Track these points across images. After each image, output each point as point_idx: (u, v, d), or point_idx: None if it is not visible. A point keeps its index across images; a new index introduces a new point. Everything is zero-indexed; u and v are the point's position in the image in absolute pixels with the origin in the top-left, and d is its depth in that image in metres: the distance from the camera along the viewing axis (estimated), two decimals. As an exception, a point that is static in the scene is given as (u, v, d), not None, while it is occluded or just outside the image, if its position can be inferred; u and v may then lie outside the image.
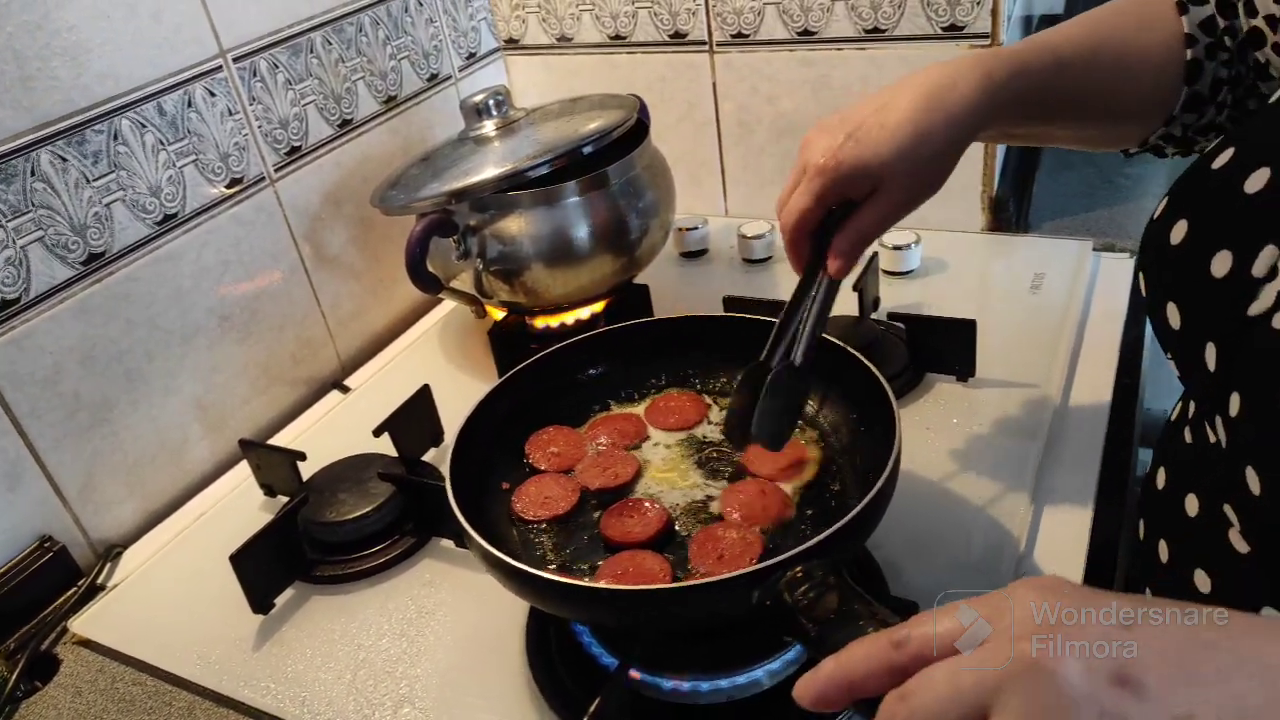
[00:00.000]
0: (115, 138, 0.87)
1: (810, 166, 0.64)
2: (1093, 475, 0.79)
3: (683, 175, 1.14)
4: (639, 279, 1.07)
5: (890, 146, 0.62)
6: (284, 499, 0.89)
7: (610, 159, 0.98)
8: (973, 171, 1.16)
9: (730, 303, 0.99)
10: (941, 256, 1.13)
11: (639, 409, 0.81)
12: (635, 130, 1.02)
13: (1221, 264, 0.50)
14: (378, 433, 0.85)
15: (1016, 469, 0.80)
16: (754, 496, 0.69)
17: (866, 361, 0.70)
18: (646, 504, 0.70)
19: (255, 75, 1.00)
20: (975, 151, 1.14)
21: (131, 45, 0.88)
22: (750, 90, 1.22)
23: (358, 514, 0.82)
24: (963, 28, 1.08)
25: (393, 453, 0.88)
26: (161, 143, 0.91)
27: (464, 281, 1.01)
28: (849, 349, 0.72)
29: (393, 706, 0.68)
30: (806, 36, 1.16)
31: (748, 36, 1.19)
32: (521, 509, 0.72)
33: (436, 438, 0.93)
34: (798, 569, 0.53)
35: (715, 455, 0.75)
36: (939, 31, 1.09)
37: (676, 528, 0.69)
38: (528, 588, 0.60)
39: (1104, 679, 0.33)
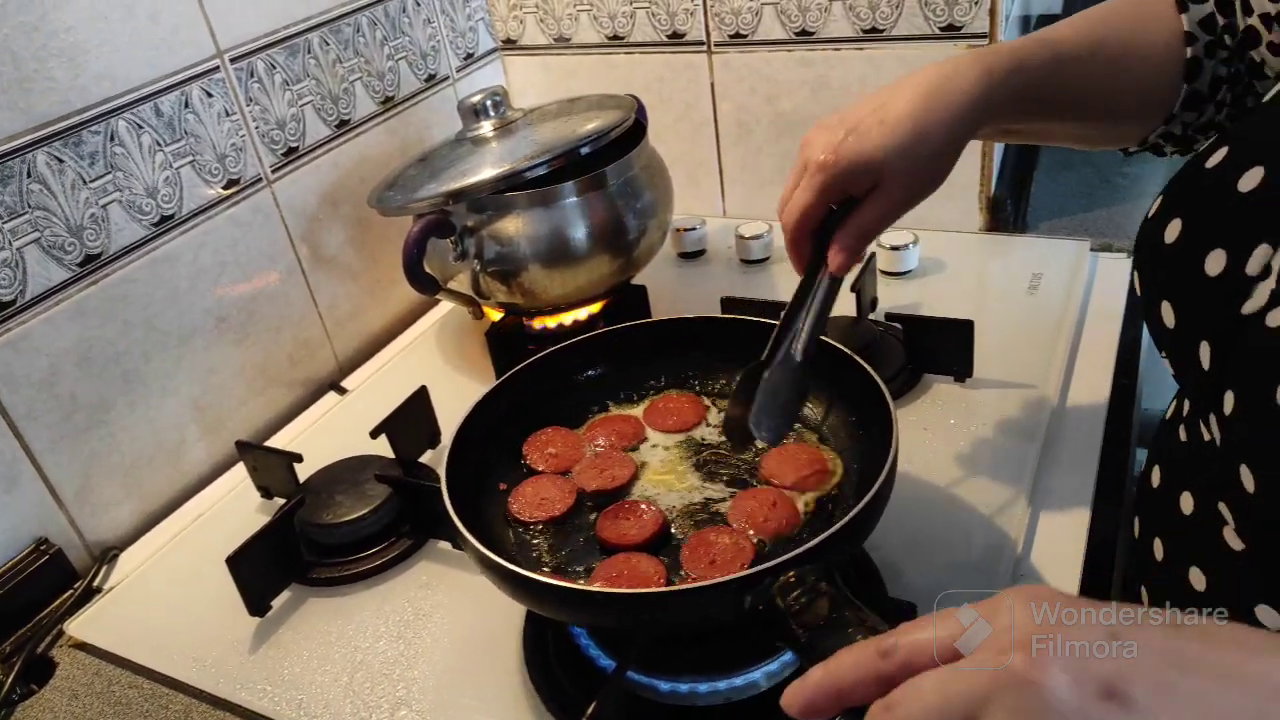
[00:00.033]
0: (112, 139, 0.87)
1: (811, 163, 0.63)
2: (1090, 475, 0.79)
3: (681, 176, 1.14)
4: (637, 279, 1.07)
5: (891, 142, 0.62)
6: (281, 501, 0.89)
7: (608, 159, 0.98)
8: (971, 171, 1.16)
9: (728, 303, 0.99)
10: (939, 257, 1.13)
11: (637, 410, 0.81)
12: (633, 131, 1.02)
13: (1215, 262, 0.50)
14: (375, 434, 0.85)
15: (1014, 469, 0.80)
16: (763, 507, 0.68)
17: (866, 365, 0.69)
18: (643, 506, 0.70)
19: (252, 76, 1.00)
20: (973, 151, 1.14)
21: (129, 46, 0.87)
22: (748, 90, 1.22)
23: (355, 516, 0.82)
24: (960, 28, 1.07)
25: (390, 454, 0.88)
26: (158, 144, 0.91)
27: (461, 282, 1.01)
28: (847, 351, 0.71)
29: (390, 709, 0.68)
30: (804, 37, 1.15)
31: (746, 37, 1.19)
32: (518, 510, 0.72)
33: (434, 439, 0.93)
34: (790, 574, 0.52)
35: (713, 458, 0.74)
36: (937, 31, 1.09)
37: (673, 530, 0.68)
38: (520, 589, 0.60)
39: (1092, 692, 0.33)
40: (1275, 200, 0.48)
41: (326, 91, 1.08)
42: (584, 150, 0.96)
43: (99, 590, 0.86)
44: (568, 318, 1.06)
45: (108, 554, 0.89)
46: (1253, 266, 0.47)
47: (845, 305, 0.97)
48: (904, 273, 1.10)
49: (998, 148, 1.16)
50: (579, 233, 0.98)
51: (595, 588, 0.61)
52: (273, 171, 1.03)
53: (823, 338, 0.72)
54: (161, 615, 0.81)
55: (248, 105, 1.00)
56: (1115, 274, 1.05)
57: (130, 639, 0.79)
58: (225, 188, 0.98)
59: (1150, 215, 0.57)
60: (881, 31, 1.11)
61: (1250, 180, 0.49)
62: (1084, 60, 0.66)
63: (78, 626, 0.81)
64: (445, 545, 0.82)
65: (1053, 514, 0.76)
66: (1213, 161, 0.53)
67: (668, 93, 1.27)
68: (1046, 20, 1.43)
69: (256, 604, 0.77)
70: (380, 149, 1.16)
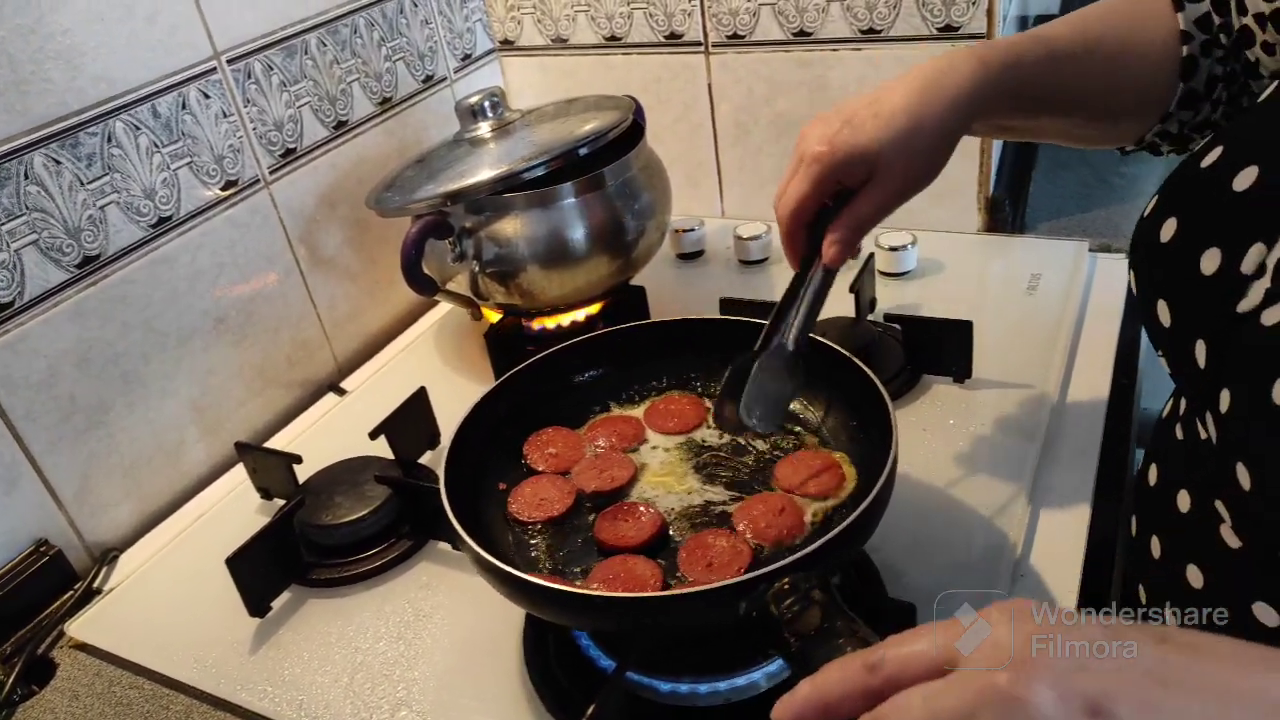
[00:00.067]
0: (109, 140, 0.87)
1: (807, 155, 0.64)
2: (1090, 475, 0.79)
3: (679, 176, 1.14)
4: (635, 280, 1.07)
5: (885, 134, 0.62)
6: (280, 502, 0.89)
7: (606, 160, 0.98)
8: (969, 172, 1.16)
9: (726, 304, 0.99)
10: (938, 257, 1.13)
11: (638, 411, 0.81)
12: (631, 131, 1.02)
13: (1211, 261, 0.50)
14: (374, 435, 0.85)
15: (1014, 470, 0.80)
16: (768, 513, 0.67)
17: (867, 369, 0.69)
18: (641, 508, 0.70)
19: (250, 77, 1.00)
20: (971, 153, 1.14)
21: (126, 48, 0.87)
22: (746, 91, 1.22)
23: (354, 517, 0.82)
24: (958, 28, 1.08)
25: (389, 455, 0.88)
26: (156, 145, 0.91)
27: (460, 283, 1.01)
28: (847, 354, 0.71)
29: (390, 709, 0.68)
30: (802, 37, 1.16)
31: (743, 37, 1.19)
32: (517, 510, 0.72)
33: (433, 440, 0.93)
34: (785, 581, 0.52)
35: (713, 460, 0.74)
36: (934, 32, 1.09)
37: (671, 532, 0.68)
38: (513, 590, 0.60)
39: (1077, 709, 0.33)
40: (1270, 199, 0.48)
41: (324, 92, 1.08)
42: (582, 151, 0.96)
43: (99, 591, 0.86)
44: (566, 319, 1.06)
45: (108, 555, 0.89)
46: (1247, 265, 0.48)
47: (844, 306, 0.97)
48: (903, 273, 1.10)
49: (996, 149, 1.16)
50: (577, 234, 0.98)
51: (588, 591, 0.61)
52: (270, 173, 1.03)
53: (825, 340, 0.72)
54: (162, 616, 0.81)
55: (245, 106, 0.99)
56: (1114, 274, 1.05)
57: (131, 640, 0.79)
58: (223, 189, 0.98)
59: (1146, 214, 0.57)
60: (879, 32, 1.11)
61: (1245, 179, 0.49)
62: (1079, 57, 0.67)
63: (78, 627, 0.81)
64: (445, 546, 0.82)
65: (1052, 514, 0.76)
66: (1208, 161, 0.53)
67: (665, 93, 1.27)
68: (1044, 20, 1.42)
69: (256, 605, 0.77)
70: (378, 150, 1.16)
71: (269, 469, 0.89)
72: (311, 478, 0.88)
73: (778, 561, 0.53)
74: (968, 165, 1.15)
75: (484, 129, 1.04)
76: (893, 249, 1.09)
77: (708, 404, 0.80)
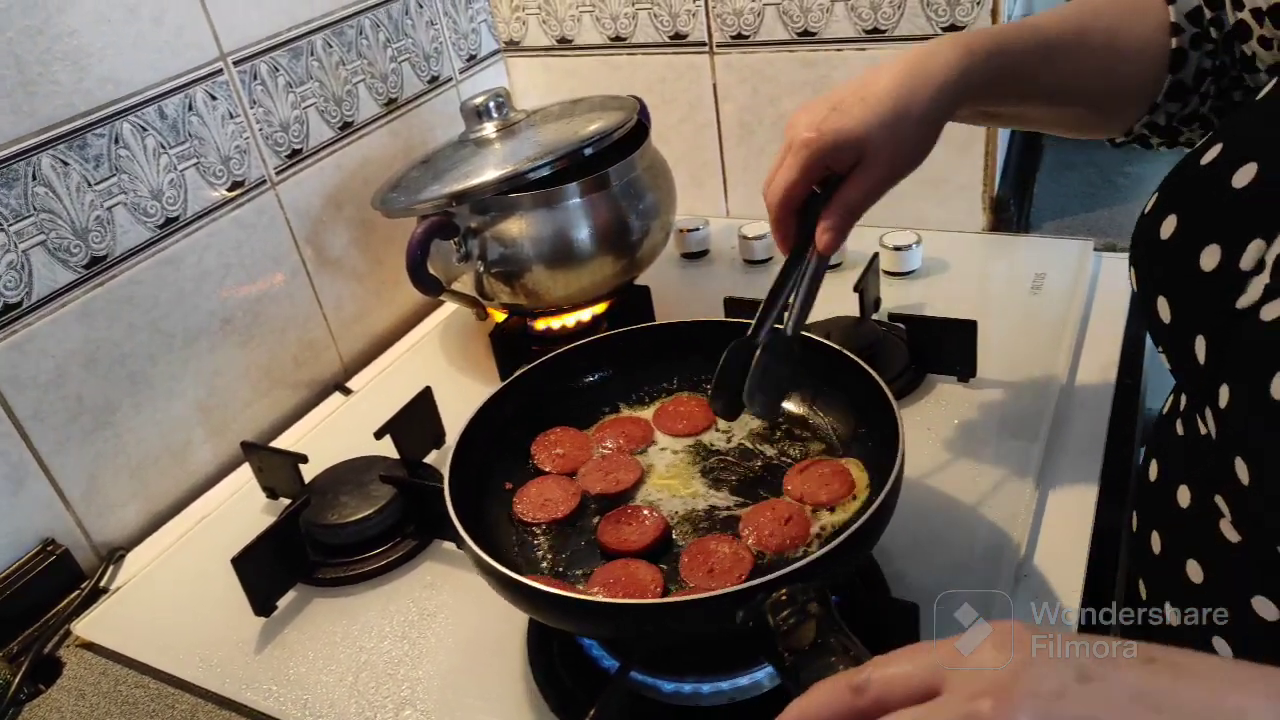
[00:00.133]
0: (116, 141, 0.87)
1: (795, 141, 0.64)
2: (1094, 476, 0.79)
3: (684, 176, 1.14)
4: (640, 280, 1.07)
5: (872, 116, 0.63)
6: (286, 501, 0.89)
7: (611, 160, 0.98)
8: (973, 171, 1.16)
9: (731, 304, 0.99)
10: (942, 257, 1.13)
11: (648, 413, 0.81)
12: (636, 131, 1.02)
13: (1210, 258, 0.50)
14: (379, 435, 0.85)
15: (1018, 470, 0.80)
16: (774, 521, 0.67)
17: (876, 376, 0.69)
18: (645, 512, 0.70)
19: (256, 78, 1.00)
20: (976, 151, 1.14)
21: (132, 49, 0.88)
22: (751, 91, 1.22)
23: (359, 516, 0.82)
24: (962, 28, 1.07)
25: (394, 455, 0.88)
26: (163, 146, 0.91)
27: (465, 283, 1.01)
28: (859, 361, 0.71)
29: (394, 709, 0.69)
30: (806, 37, 1.15)
31: (748, 37, 1.19)
32: (521, 510, 0.72)
33: (438, 440, 0.93)
34: (782, 592, 0.52)
35: (720, 464, 0.74)
36: (939, 32, 1.09)
37: (674, 536, 0.68)
38: (513, 594, 0.60)
39: None
40: (1268, 196, 0.48)
41: (330, 93, 1.09)
42: (587, 151, 0.96)
43: (105, 590, 0.86)
44: (571, 318, 1.07)
45: (114, 554, 0.90)
46: (1247, 261, 0.48)
47: (848, 305, 0.97)
48: (907, 273, 1.10)
49: (1001, 148, 1.16)
50: (582, 234, 0.98)
51: (583, 596, 0.61)
52: (277, 173, 1.04)
53: (834, 344, 0.73)
54: (168, 615, 0.81)
55: (251, 107, 1.00)
56: (1118, 273, 1.05)
57: (137, 639, 0.79)
58: (229, 190, 0.99)
59: (1146, 212, 0.57)
60: (883, 32, 1.11)
61: (1244, 176, 0.49)
62: (1067, 46, 0.67)
63: (84, 626, 0.81)
64: (450, 545, 0.82)
65: (1056, 514, 0.76)
66: (1207, 158, 0.53)
67: (670, 93, 1.27)
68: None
69: (262, 604, 0.77)
70: (383, 151, 1.17)
71: (274, 468, 0.90)
72: (317, 477, 0.88)
73: (779, 570, 0.53)
74: (972, 165, 1.15)
75: (489, 129, 1.04)
76: (897, 248, 1.09)
77: None
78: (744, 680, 0.64)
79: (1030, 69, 0.67)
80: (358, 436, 0.89)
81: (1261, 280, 0.47)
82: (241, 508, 0.92)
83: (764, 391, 0.68)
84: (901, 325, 0.93)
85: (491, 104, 1.05)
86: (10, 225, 0.80)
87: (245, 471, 0.95)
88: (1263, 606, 0.50)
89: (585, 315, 1.07)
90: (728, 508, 0.70)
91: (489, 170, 0.95)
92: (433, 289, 0.98)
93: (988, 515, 0.76)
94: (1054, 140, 1.41)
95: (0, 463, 0.82)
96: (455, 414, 0.89)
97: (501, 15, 1.34)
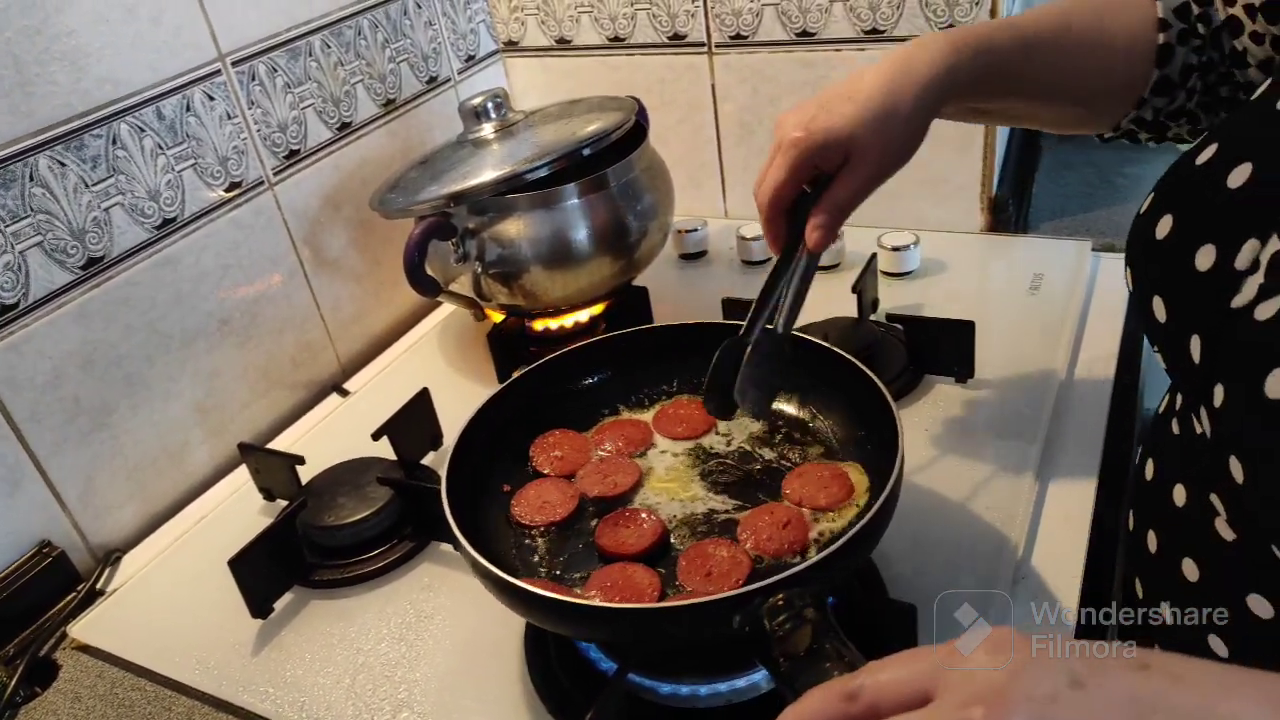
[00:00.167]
0: (114, 142, 0.87)
1: (784, 141, 0.65)
2: (1092, 476, 0.79)
3: (682, 177, 1.14)
4: (638, 281, 1.07)
5: (858, 115, 0.63)
6: (283, 503, 0.89)
7: (609, 161, 0.98)
8: (972, 172, 1.16)
9: (729, 304, 0.99)
10: (940, 257, 1.13)
11: (647, 415, 0.81)
12: (634, 132, 1.02)
13: (1205, 258, 0.50)
14: (376, 436, 0.85)
15: (1016, 470, 0.80)
16: (772, 525, 0.67)
17: (877, 379, 0.69)
18: (643, 515, 0.69)
19: (254, 79, 1.00)
20: (974, 152, 1.14)
21: (130, 50, 0.88)
22: (750, 91, 1.22)
23: (356, 518, 0.82)
24: (961, 28, 1.07)
25: (392, 456, 0.88)
26: (160, 147, 0.91)
27: (463, 284, 1.01)
28: (857, 362, 0.71)
29: (391, 711, 0.68)
30: (805, 38, 1.15)
31: (746, 38, 1.19)
32: (519, 513, 0.72)
33: (436, 441, 0.93)
34: (779, 597, 0.52)
35: (719, 467, 0.74)
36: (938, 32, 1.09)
37: (672, 540, 0.68)
38: (509, 597, 0.60)
39: None
40: (1263, 196, 0.48)
41: (328, 94, 1.09)
42: (585, 152, 0.96)
43: (102, 592, 0.86)
44: (569, 319, 1.06)
45: (111, 556, 0.89)
46: (1241, 261, 0.48)
47: (846, 306, 0.97)
48: (905, 273, 1.10)
49: (999, 148, 1.16)
50: (580, 234, 0.98)
51: (579, 600, 0.61)
52: (274, 174, 1.04)
53: (830, 346, 0.73)
54: (164, 617, 0.81)
55: (249, 108, 1.00)
56: (1117, 274, 1.05)
57: (133, 641, 0.79)
58: (227, 190, 0.98)
59: (1142, 212, 0.57)
60: (882, 32, 1.11)
61: (1239, 177, 0.50)
62: (1053, 42, 0.68)
63: (81, 629, 0.81)
64: (447, 547, 0.82)
65: (1054, 514, 0.76)
66: (1203, 158, 0.53)
67: (669, 94, 1.27)
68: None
69: (259, 606, 0.77)
70: (382, 151, 1.17)
71: (272, 470, 0.90)
72: (314, 479, 0.88)
73: (777, 575, 0.53)
74: (971, 165, 1.15)
75: (487, 130, 1.04)
76: (895, 249, 1.09)
77: None
78: (741, 682, 0.64)
79: (1016, 65, 0.67)
80: (355, 438, 0.88)
81: (1256, 280, 0.47)
82: (238, 509, 0.92)
83: (755, 389, 0.69)
84: (899, 326, 0.93)
85: (490, 104, 1.04)
86: (7, 226, 0.80)
87: (242, 473, 0.94)
88: (1258, 605, 0.50)
89: (583, 316, 1.07)
90: (726, 511, 0.70)
91: (487, 171, 0.95)
92: (430, 290, 0.98)
93: (986, 516, 0.76)
94: (1052, 140, 1.41)
95: (-3, 464, 0.82)
96: (453, 415, 0.89)
97: (500, 16, 1.33)
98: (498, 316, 1.08)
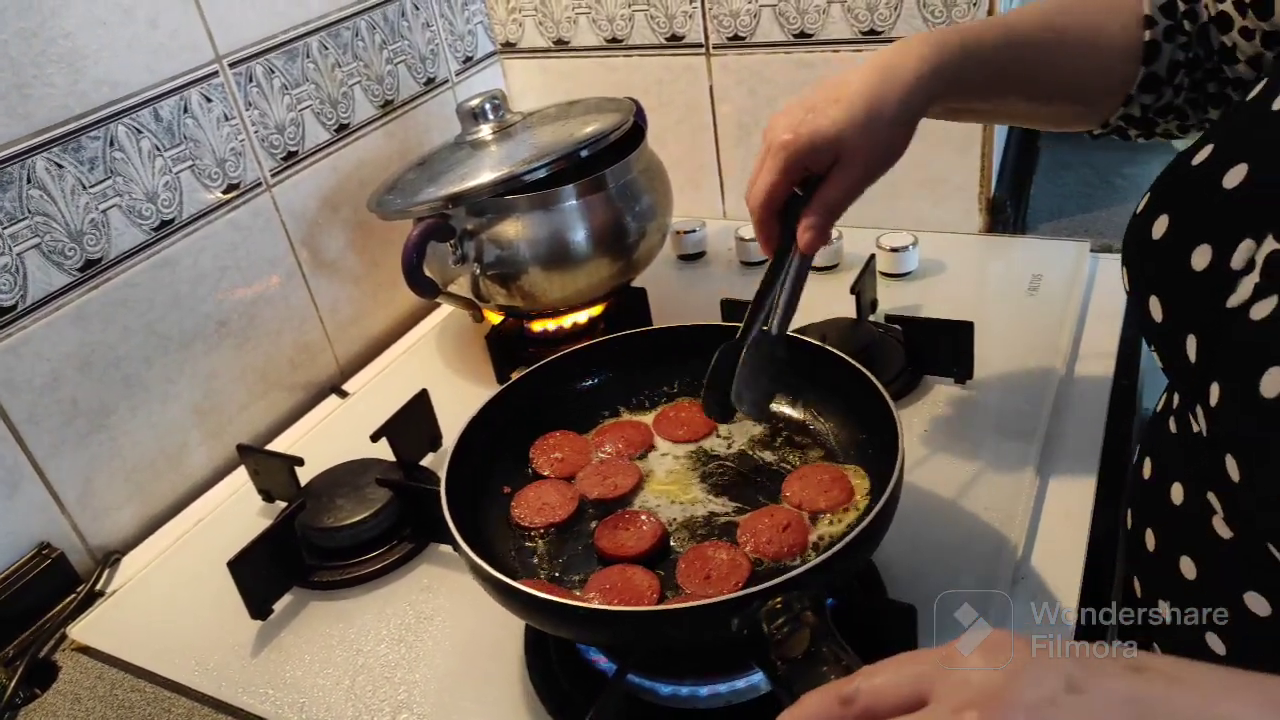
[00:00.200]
0: (111, 144, 0.87)
1: (773, 144, 0.65)
2: (1091, 476, 0.79)
3: (681, 178, 1.14)
4: (636, 282, 1.07)
5: (846, 117, 0.64)
6: (282, 504, 0.89)
7: (607, 162, 0.98)
8: (970, 173, 1.16)
9: (728, 305, 0.99)
10: (939, 258, 1.13)
11: (648, 418, 0.80)
12: (632, 133, 1.02)
13: (1201, 257, 0.51)
14: (375, 438, 0.85)
15: (1015, 470, 0.80)
16: (772, 528, 0.66)
17: (876, 381, 0.69)
18: (643, 517, 0.69)
19: (251, 81, 1.00)
20: (973, 152, 1.14)
21: (128, 52, 0.88)
22: (748, 93, 1.22)
23: (356, 519, 0.82)
24: (959, 29, 1.07)
25: (391, 458, 0.88)
26: (158, 149, 0.91)
27: (461, 286, 1.01)
28: (858, 366, 0.71)
29: (391, 712, 0.68)
30: (803, 39, 1.15)
31: (744, 39, 1.19)
32: (519, 515, 0.72)
33: (435, 442, 0.93)
34: (777, 600, 0.52)
35: (719, 469, 0.74)
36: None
37: (672, 543, 0.68)
38: (507, 599, 0.60)
39: None
40: (1258, 196, 0.49)
41: (325, 95, 1.09)
42: (583, 153, 0.96)
43: (101, 594, 0.86)
44: (568, 320, 1.06)
45: (110, 558, 0.89)
46: (1237, 261, 0.48)
47: (845, 307, 0.97)
48: (904, 274, 1.10)
49: (997, 149, 1.16)
50: (578, 236, 0.98)
51: (577, 603, 0.61)
52: (272, 176, 1.03)
53: (831, 349, 0.73)
54: (163, 619, 0.81)
55: (247, 110, 1.00)
56: (1115, 274, 1.04)
57: (132, 642, 0.79)
58: (225, 192, 0.98)
59: (1138, 211, 0.58)
60: (880, 33, 1.11)
61: (1234, 177, 0.50)
62: (1037, 40, 0.68)
63: (80, 630, 0.81)
64: (446, 548, 0.82)
65: (1054, 515, 0.76)
66: (1199, 159, 0.54)
67: (667, 95, 1.27)
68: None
69: (258, 607, 0.77)
70: (379, 153, 1.17)
71: (271, 471, 0.90)
72: (313, 480, 0.88)
73: (776, 578, 0.53)
74: (969, 166, 1.15)
75: (485, 131, 1.04)
76: (894, 250, 1.09)
77: None
78: (741, 683, 0.63)
79: (1001, 64, 0.68)
80: (354, 439, 0.88)
81: (1251, 280, 0.47)
82: (237, 511, 0.92)
83: (751, 391, 0.69)
84: (898, 327, 0.93)
85: (488, 106, 1.04)
86: (5, 228, 0.80)
87: (241, 474, 0.94)
88: (1255, 602, 0.50)
89: (582, 317, 1.07)
90: (726, 514, 0.70)
91: (485, 172, 0.95)
92: (429, 291, 0.98)
93: (985, 516, 0.76)
94: (1050, 141, 1.41)
95: (-5, 466, 0.81)
96: (452, 416, 0.89)
97: (498, 17, 1.33)
98: (496, 318, 1.08)
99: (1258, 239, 0.47)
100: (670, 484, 0.74)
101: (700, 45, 1.22)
